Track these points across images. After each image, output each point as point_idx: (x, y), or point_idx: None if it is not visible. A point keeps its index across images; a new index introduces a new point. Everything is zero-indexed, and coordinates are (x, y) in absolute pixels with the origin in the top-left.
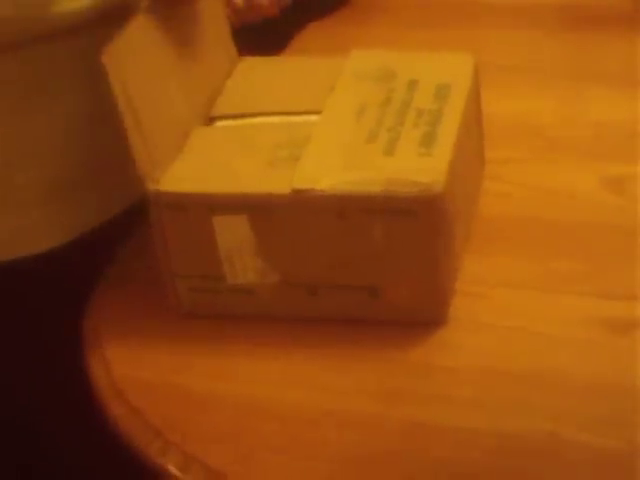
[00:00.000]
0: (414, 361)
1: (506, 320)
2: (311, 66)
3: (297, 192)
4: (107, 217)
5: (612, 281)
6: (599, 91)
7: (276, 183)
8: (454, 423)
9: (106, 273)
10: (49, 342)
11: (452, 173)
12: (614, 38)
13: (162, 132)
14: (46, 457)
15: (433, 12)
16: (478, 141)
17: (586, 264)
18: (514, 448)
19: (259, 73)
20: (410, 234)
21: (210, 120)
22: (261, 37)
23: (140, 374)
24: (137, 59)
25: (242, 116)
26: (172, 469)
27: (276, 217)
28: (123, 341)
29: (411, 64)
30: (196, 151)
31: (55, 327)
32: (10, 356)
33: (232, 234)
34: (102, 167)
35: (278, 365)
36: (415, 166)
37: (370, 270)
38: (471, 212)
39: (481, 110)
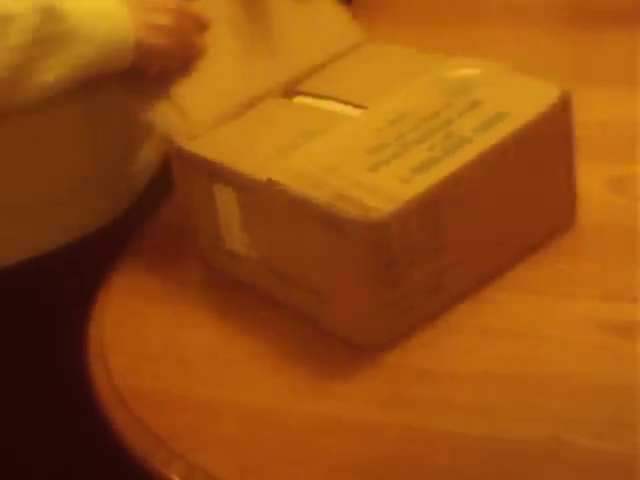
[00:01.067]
0: (416, 367)
1: (508, 324)
2: (413, 61)
3: (270, 182)
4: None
5: (616, 283)
6: (601, 91)
7: (265, 168)
8: (455, 429)
9: (108, 281)
10: (51, 344)
11: (421, 205)
12: (616, 37)
13: (214, 98)
14: (47, 466)
15: (434, 11)
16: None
17: (590, 266)
18: (516, 453)
19: (365, 59)
20: (347, 252)
21: (289, 93)
22: None
23: (143, 383)
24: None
25: (318, 96)
26: (176, 479)
27: (257, 200)
28: (126, 350)
29: (495, 86)
30: (244, 120)
31: (57, 330)
32: (11, 359)
33: (226, 204)
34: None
35: (280, 374)
36: (382, 188)
37: (318, 275)
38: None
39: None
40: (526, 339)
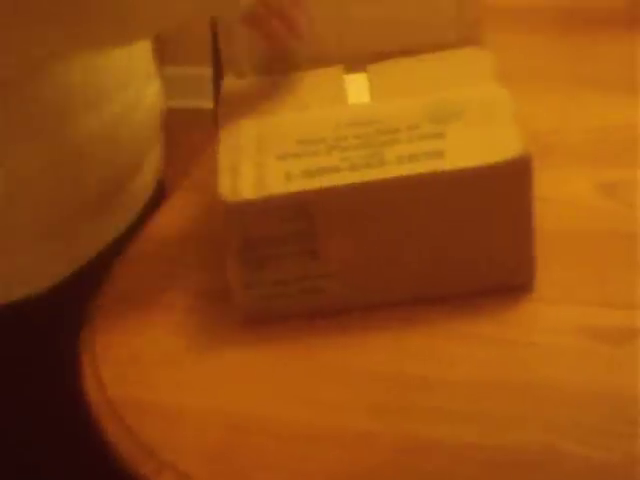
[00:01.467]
0: (409, 374)
1: (500, 331)
2: (471, 75)
3: (218, 139)
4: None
5: (609, 290)
6: (596, 96)
7: (233, 126)
8: (449, 437)
9: (101, 293)
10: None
11: (286, 204)
12: (612, 43)
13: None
14: (39, 475)
15: None
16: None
17: (583, 272)
18: (510, 461)
19: (446, 58)
20: (222, 225)
21: (355, 68)
22: None
23: (134, 393)
24: None
25: (368, 80)
26: None
27: None
28: (117, 360)
29: (473, 125)
30: (281, 80)
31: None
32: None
33: None
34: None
35: (272, 382)
36: (266, 178)
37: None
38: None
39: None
40: (518, 346)
